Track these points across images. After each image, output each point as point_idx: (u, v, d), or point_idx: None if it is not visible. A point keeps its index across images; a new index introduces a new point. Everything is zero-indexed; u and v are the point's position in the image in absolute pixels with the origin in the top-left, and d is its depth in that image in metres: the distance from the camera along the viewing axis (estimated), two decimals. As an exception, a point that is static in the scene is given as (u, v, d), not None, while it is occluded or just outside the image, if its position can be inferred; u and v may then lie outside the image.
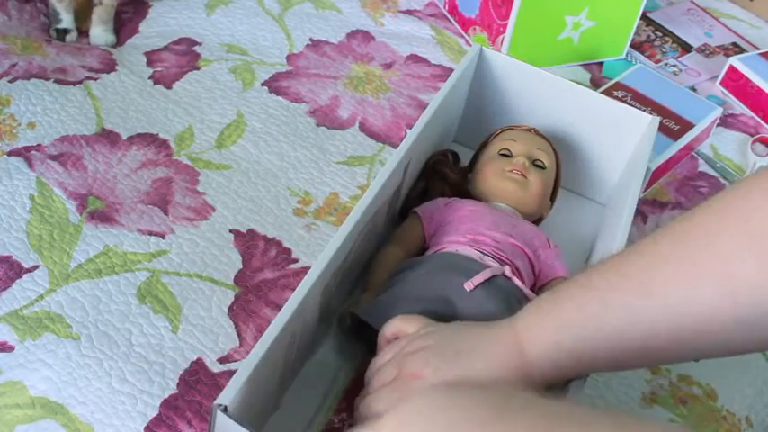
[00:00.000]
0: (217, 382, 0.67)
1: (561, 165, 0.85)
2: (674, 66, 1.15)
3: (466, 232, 0.73)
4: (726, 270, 0.51)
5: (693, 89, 1.11)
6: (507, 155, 0.80)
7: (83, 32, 1.05)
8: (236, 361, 0.69)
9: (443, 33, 1.13)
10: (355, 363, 0.70)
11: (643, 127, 0.83)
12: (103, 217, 0.79)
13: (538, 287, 0.75)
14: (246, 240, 0.80)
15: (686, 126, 0.96)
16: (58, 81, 0.93)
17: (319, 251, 0.72)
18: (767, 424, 0.73)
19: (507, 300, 0.67)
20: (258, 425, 0.62)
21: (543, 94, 0.86)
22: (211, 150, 0.89)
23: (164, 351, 0.69)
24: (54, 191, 0.81)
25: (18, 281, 0.73)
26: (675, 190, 0.95)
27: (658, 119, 0.83)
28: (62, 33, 1.03)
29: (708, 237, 0.53)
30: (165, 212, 0.81)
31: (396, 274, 0.71)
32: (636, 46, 1.17)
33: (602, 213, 0.90)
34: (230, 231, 0.80)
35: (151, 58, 1.01)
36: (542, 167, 0.81)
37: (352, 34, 1.10)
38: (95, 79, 0.95)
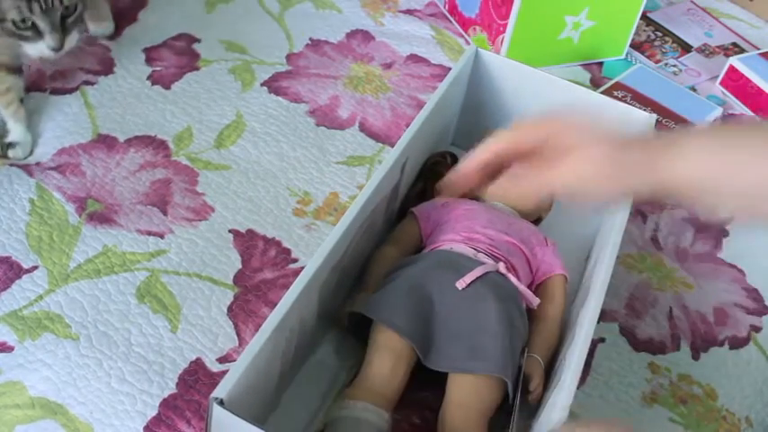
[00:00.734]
0: (216, 382, 0.66)
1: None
2: (674, 66, 1.15)
3: (461, 230, 0.73)
4: None
5: (693, 89, 1.11)
6: None
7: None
8: (235, 360, 0.69)
9: (443, 33, 1.13)
10: (355, 363, 0.70)
11: (643, 127, 0.82)
12: (102, 218, 0.79)
13: (536, 285, 0.75)
14: (246, 240, 0.80)
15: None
16: (54, 91, 0.93)
17: (319, 251, 0.72)
18: (767, 424, 0.73)
19: (501, 296, 0.67)
20: (256, 421, 0.62)
21: (541, 94, 0.86)
22: (210, 150, 0.89)
23: (163, 351, 0.69)
24: (53, 195, 0.81)
25: (17, 281, 0.73)
26: (675, 190, 0.95)
27: (655, 116, 0.83)
28: (6, 147, 0.84)
29: None
30: (165, 213, 0.81)
31: (391, 273, 0.71)
32: (636, 46, 1.16)
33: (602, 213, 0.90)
34: (229, 231, 0.80)
35: (150, 55, 1.01)
36: (541, 167, 0.80)
37: (352, 34, 1.11)
38: (93, 83, 0.95)
